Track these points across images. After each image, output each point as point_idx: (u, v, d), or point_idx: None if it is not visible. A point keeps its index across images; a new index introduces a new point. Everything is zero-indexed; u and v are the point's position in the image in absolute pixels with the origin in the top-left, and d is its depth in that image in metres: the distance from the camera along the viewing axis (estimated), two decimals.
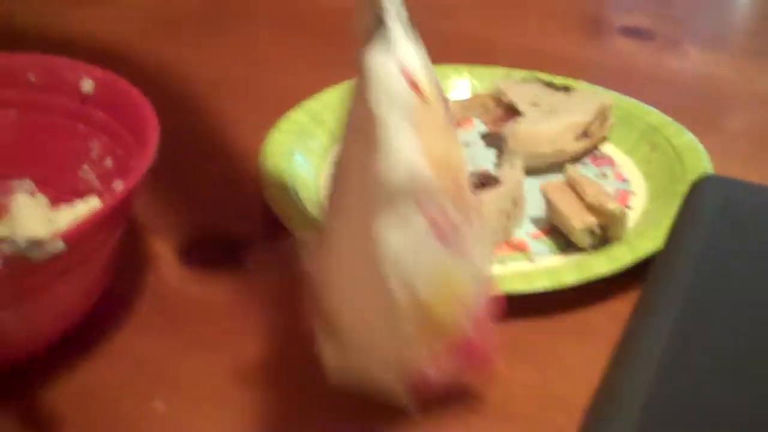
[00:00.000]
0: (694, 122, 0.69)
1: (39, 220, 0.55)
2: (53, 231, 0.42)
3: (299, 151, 0.66)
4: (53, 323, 0.48)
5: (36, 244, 0.40)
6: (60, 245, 0.41)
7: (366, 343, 0.43)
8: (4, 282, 0.42)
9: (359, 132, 0.40)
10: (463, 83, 0.75)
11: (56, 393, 0.48)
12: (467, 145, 0.69)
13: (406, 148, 0.39)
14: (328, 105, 0.70)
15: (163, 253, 0.58)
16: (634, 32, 0.89)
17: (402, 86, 0.39)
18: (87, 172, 0.57)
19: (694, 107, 0.75)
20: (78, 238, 0.43)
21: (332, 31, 0.84)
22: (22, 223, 0.54)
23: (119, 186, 0.51)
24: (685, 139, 0.67)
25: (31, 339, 0.48)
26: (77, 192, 0.57)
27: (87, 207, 0.55)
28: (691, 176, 0.61)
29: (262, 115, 0.69)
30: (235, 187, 0.65)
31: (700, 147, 0.66)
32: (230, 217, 0.62)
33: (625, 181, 0.66)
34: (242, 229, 0.60)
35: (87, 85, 0.56)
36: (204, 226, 0.61)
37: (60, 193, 0.57)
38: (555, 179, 0.61)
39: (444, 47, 0.80)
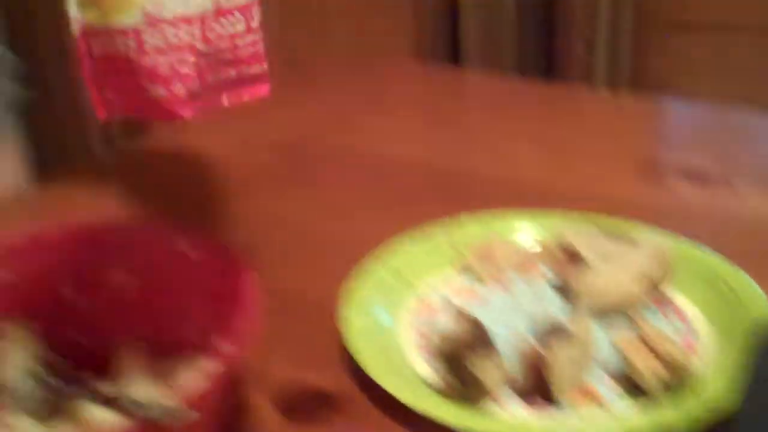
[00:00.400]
0: (752, 263, 0.72)
1: (147, 379, 0.59)
2: (184, 397, 0.46)
3: (379, 304, 0.70)
4: None
5: (171, 412, 0.44)
6: (193, 415, 0.45)
7: None
8: None
9: None
10: (526, 229, 0.80)
11: None
12: (535, 292, 0.73)
13: None
14: (404, 256, 0.75)
15: (262, 403, 0.62)
16: (689, 174, 0.93)
17: None
18: (187, 329, 0.61)
19: (751, 248, 0.78)
20: (203, 404, 0.47)
21: (398, 180, 0.90)
22: (132, 383, 0.59)
23: (222, 345, 0.54)
24: (744, 281, 0.70)
25: None
26: (179, 347, 0.60)
27: (193, 367, 0.59)
28: (752, 316, 0.65)
29: (335, 262, 0.75)
30: (315, 337, 0.69)
31: (759, 290, 0.69)
32: (314, 367, 0.66)
33: (687, 322, 0.69)
34: (327, 380, 0.64)
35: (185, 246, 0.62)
36: (294, 377, 0.65)
37: (163, 348, 0.61)
38: (620, 322, 0.66)
39: (506, 194, 0.85)
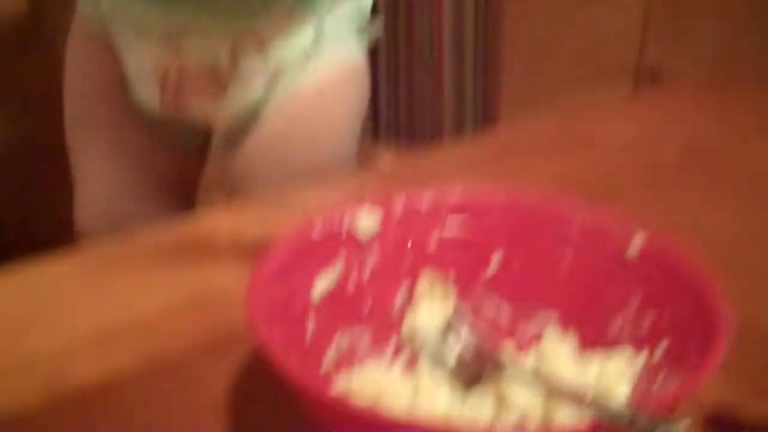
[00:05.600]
0: None
1: (568, 360, 0.55)
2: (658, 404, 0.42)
3: None
4: None
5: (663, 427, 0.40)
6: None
7: None
8: None
9: None
10: None
11: None
12: None
13: None
14: None
15: None
16: None
17: None
18: (619, 322, 0.57)
19: None
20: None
21: None
22: (550, 361, 0.55)
23: (663, 347, 0.52)
24: None
25: None
26: (604, 339, 0.57)
27: (622, 359, 0.55)
28: None
29: None
30: None
31: None
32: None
33: None
34: None
35: (636, 243, 0.57)
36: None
37: (585, 334, 0.58)
38: None
39: None
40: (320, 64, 0.97)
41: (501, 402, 0.52)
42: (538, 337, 0.59)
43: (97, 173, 1.05)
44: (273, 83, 0.96)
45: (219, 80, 0.96)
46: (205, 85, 0.96)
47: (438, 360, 0.57)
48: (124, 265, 0.70)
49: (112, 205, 1.05)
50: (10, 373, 0.58)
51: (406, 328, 0.58)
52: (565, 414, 0.49)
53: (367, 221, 0.58)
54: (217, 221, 0.76)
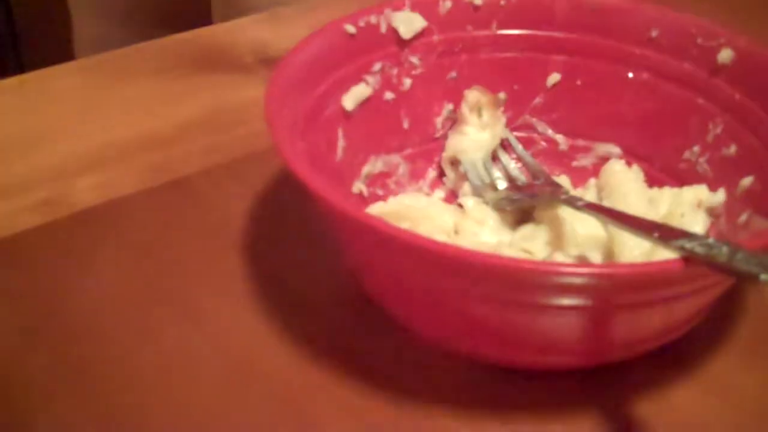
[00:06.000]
0: None
1: (637, 196, 0.48)
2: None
3: None
4: (665, 333, 0.41)
5: (763, 262, 0.32)
6: None
7: None
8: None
9: None
10: None
11: (637, 400, 0.41)
12: None
13: None
14: None
15: None
16: None
17: None
18: (695, 155, 0.49)
19: None
20: None
21: None
22: (613, 193, 0.48)
23: (748, 183, 0.45)
24: None
25: (637, 342, 0.41)
26: (674, 174, 0.50)
27: (695, 195, 0.47)
28: None
29: None
30: None
31: None
32: None
33: None
34: None
35: (725, 56, 0.48)
36: None
37: (652, 169, 0.50)
38: None
39: None
40: None
41: (557, 236, 0.45)
42: (597, 173, 0.51)
43: None
44: None
45: None
46: None
47: (485, 188, 0.50)
48: (132, 78, 0.62)
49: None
50: (4, 193, 0.52)
51: (448, 151, 0.51)
52: (635, 251, 0.42)
53: (409, 19, 0.50)
54: (240, 33, 0.68)
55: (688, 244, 0.34)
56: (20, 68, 1.03)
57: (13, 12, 1.05)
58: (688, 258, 0.34)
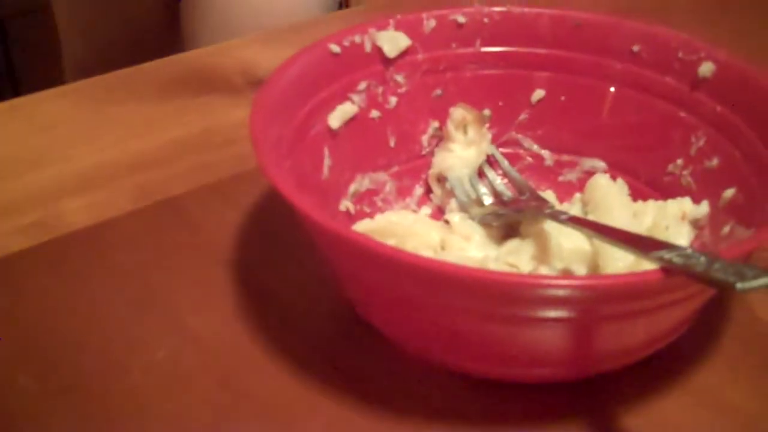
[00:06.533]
0: None
1: (622, 209, 0.48)
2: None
3: None
4: (649, 344, 0.42)
5: (740, 271, 0.33)
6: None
7: None
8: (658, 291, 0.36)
9: None
10: None
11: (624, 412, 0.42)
12: None
13: None
14: None
15: None
16: None
17: None
18: (678, 167, 0.50)
19: None
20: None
21: None
22: (599, 207, 0.48)
23: (730, 195, 0.45)
24: None
25: (622, 353, 0.41)
26: (658, 186, 0.50)
27: (679, 208, 0.48)
28: None
29: None
30: None
31: None
32: None
33: None
34: None
35: (705, 69, 0.48)
36: None
37: (637, 182, 0.51)
38: None
39: None
40: None
41: (543, 250, 0.45)
42: (582, 187, 0.52)
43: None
44: None
45: None
46: None
47: (471, 204, 0.50)
48: (121, 101, 0.63)
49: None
50: None
51: (435, 168, 0.52)
52: (619, 263, 0.42)
53: (394, 38, 0.50)
54: (228, 54, 0.69)
55: (667, 255, 0.35)
56: (16, 94, 1.03)
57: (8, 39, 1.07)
58: (667, 268, 0.34)
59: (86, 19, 1.00)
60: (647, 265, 0.36)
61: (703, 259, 0.33)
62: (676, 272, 0.34)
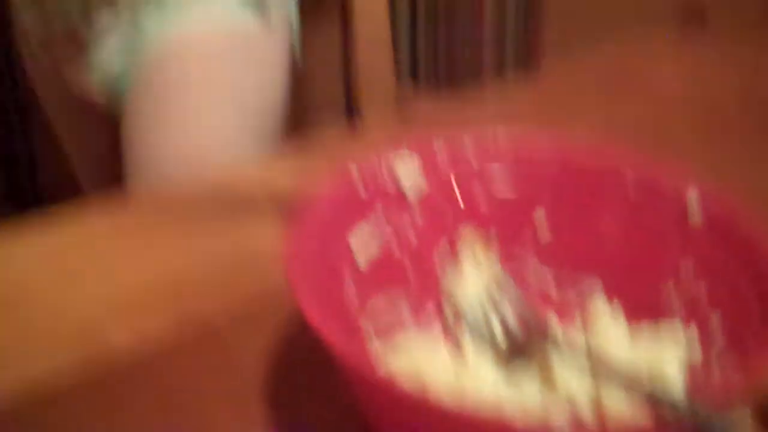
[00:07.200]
0: None
1: (618, 335, 0.53)
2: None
3: None
4: None
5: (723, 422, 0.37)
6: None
7: None
8: None
9: None
10: None
11: None
12: None
13: None
14: None
15: None
16: None
17: None
18: (670, 291, 0.54)
19: None
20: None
21: None
22: (599, 335, 0.53)
23: (717, 320, 0.49)
24: None
25: None
26: (652, 309, 0.54)
27: (671, 331, 0.52)
28: None
29: None
30: None
31: None
32: None
33: None
34: None
35: (691, 200, 0.54)
36: None
37: (631, 304, 0.55)
38: None
39: None
40: (182, 24, 0.90)
41: (548, 380, 0.50)
42: (580, 307, 0.56)
43: None
44: (132, 48, 0.90)
45: (80, 44, 0.92)
46: (71, 52, 0.93)
47: (482, 331, 0.54)
48: (159, 223, 0.67)
49: None
50: (36, 343, 0.56)
51: (446, 295, 0.56)
52: (617, 398, 0.47)
53: (407, 170, 0.56)
54: (247, 173, 0.74)
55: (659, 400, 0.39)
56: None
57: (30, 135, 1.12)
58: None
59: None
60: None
61: (687, 406, 0.38)
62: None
